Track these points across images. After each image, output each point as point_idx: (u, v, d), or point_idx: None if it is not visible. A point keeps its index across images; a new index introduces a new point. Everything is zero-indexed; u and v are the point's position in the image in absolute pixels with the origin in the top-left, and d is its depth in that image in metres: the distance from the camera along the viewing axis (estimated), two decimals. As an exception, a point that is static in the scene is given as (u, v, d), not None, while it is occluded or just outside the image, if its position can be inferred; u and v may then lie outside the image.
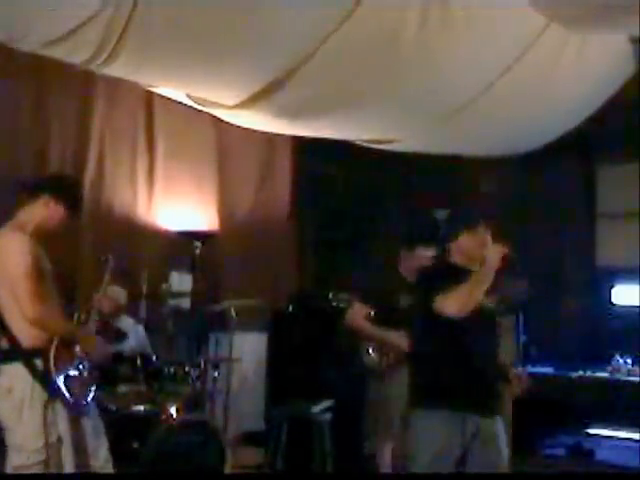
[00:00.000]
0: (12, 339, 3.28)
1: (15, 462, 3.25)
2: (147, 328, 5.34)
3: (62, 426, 3.29)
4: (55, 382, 3.26)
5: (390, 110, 4.76)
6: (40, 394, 3.24)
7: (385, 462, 4.81)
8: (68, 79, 5.24)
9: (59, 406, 3.29)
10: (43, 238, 3.46)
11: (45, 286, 3.34)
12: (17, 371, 3.25)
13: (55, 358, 3.28)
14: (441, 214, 3.85)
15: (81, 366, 3.45)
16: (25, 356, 3.26)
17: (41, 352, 3.27)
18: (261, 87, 4.20)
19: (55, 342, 3.29)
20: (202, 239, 5.89)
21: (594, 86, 5.05)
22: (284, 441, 5.37)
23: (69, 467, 3.31)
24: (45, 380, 3.25)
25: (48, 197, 3.47)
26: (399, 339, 4.47)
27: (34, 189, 3.52)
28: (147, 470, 4.21)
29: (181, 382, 4.74)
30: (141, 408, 4.53)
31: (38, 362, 3.26)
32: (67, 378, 3.33)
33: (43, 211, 3.47)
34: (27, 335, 3.28)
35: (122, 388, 4.51)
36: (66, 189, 3.59)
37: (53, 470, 3.24)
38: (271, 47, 3.82)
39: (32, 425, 3.21)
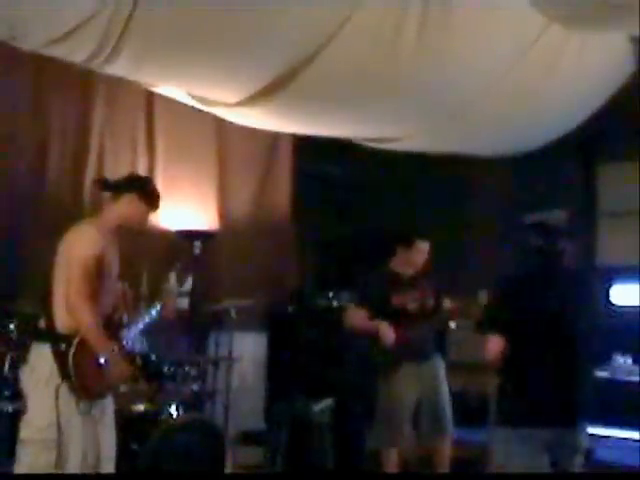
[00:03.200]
0: (50, 321, 3.40)
1: (22, 435, 3.36)
2: (147, 328, 5.33)
3: (72, 413, 3.35)
4: (69, 369, 3.34)
5: (390, 110, 4.76)
6: (56, 377, 3.33)
7: (391, 461, 4.81)
8: (68, 79, 5.25)
9: (67, 392, 3.35)
10: (124, 234, 3.63)
11: (94, 280, 3.42)
12: (44, 351, 3.36)
13: (76, 351, 3.35)
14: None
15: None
16: (54, 339, 3.36)
17: (68, 337, 3.35)
18: (262, 86, 4.21)
19: (78, 338, 3.36)
20: (202, 239, 5.88)
21: (594, 86, 5.05)
22: (284, 441, 5.37)
23: (74, 454, 3.35)
24: (62, 364, 3.34)
25: (132, 195, 3.60)
26: (386, 331, 4.51)
27: (118, 187, 3.65)
28: (147, 470, 4.21)
29: (181, 382, 4.75)
30: (141, 408, 4.53)
31: (63, 346, 3.35)
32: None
33: (128, 208, 3.61)
34: (63, 321, 3.39)
35: (122, 388, 4.51)
36: (149, 188, 3.74)
37: (46, 453, 3.29)
38: (272, 46, 3.83)
39: (44, 402, 3.30)
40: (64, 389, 3.32)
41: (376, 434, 4.95)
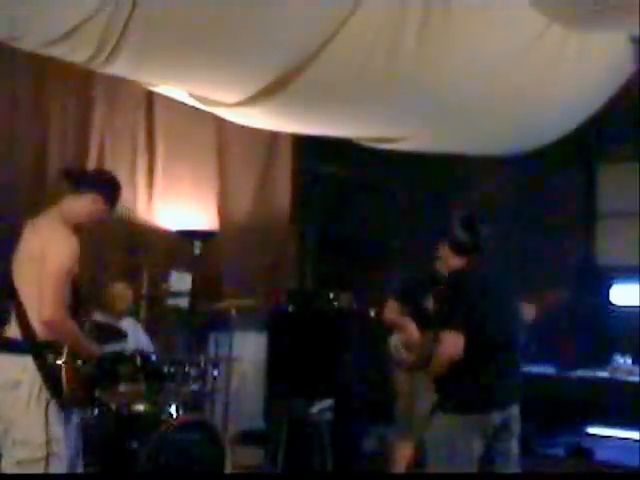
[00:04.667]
0: (28, 329, 3.19)
1: (20, 456, 3.17)
2: (147, 328, 5.34)
3: (58, 426, 3.24)
4: (62, 384, 3.21)
5: (390, 110, 4.76)
6: (45, 391, 3.19)
7: (399, 459, 4.79)
8: (68, 79, 5.24)
9: (57, 406, 3.23)
10: (80, 233, 3.40)
11: (66, 288, 3.27)
12: (27, 364, 3.18)
13: (66, 364, 3.21)
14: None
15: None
16: (37, 349, 3.18)
17: (54, 347, 3.19)
18: (263, 86, 4.20)
19: (66, 347, 3.22)
20: (202, 239, 5.88)
21: (594, 86, 5.05)
22: (284, 441, 5.37)
23: (62, 468, 3.26)
24: (51, 380, 3.19)
25: (96, 194, 3.43)
26: (412, 330, 4.54)
27: (82, 183, 3.46)
28: (147, 470, 4.21)
29: (181, 382, 4.74)
30: (141, 408, 4.53)
31: (50, 356, 3.18)
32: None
33: (90, 207, 3.43)
34: (41, 328, 3.20)
35: (122, 388, 4.50)
36: (114, 188, 3.56)
37: (51, 468, 3.20)
38: (273, 46, 3.83)
39: (38, 419, 3.16)
40: (53, 402, 3.18)
41: (394, 428, 4.93)
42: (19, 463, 3.18)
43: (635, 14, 3.70)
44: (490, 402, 3.49)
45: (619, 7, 3.76)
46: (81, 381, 3.32)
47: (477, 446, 3.44)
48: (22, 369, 3.18)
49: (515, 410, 3.59)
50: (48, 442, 3.15)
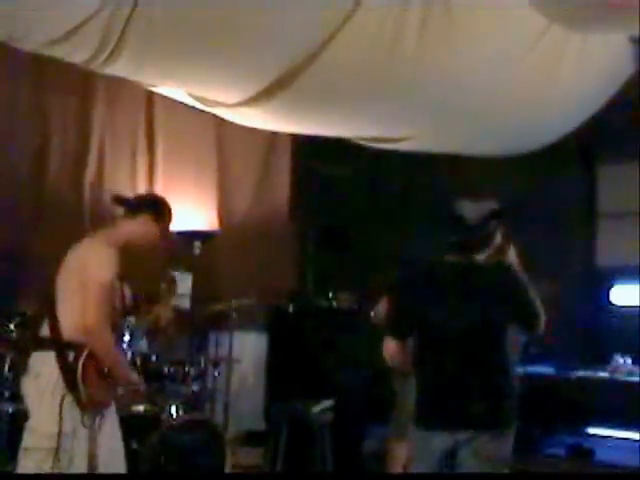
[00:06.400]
0: (55, 330, 3.35)
1: (26, 443, 3.32)
2: (147, 328, 5.33)
3: (76, 422, 3.32)
4: (77, 381, 3.30)
5: (390, 110, 4.76)
6: (62, 386, 3.30)
7: (395, 459, 4.79)
8: (68, 79, 5.24)
9: (72, 403, 3.31)
10: (129, 254, 3.58)
11: (109, 302, 3.43)
12: (48, 359, 3.32)
13: (85, 363, 3.31)
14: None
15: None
16: (61, 347, 3.32)
17: (76, 347, 3.31)
18: (263, 86, 4.21)
19: (87, 349, 3.32)
20: (202, 239, 5.89)
21: (595, 86, 5.05)
22: (284, 441, 5.37)
23: (79, 462, 3.32)
24: (68, 375, 3.30)
25: (148, 216, 3.62)
26: None
27: (136, 206, 3.66)
28: (147, 470, 4.21)
29: (181, 382, 4.74)
30: (141, 408, 4.53)
31: (70, 356, 3.31)
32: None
33: (141, 228, 3.63)
34: (69, 330, 3.34)
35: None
36: (165, 212, 3.74)
37: (62, 463, 3.26)
38: (273, 46, 3.83)
39: (50, 411, 3.27)
40: (69, 399, 3.29)
41: (392, 427, 4.93)
42: (26, 450, 3.31)
43: (635, 14, 3.70)
44: (433, 421, 3.14)
45: (619, 7, 3.76)
46: (101, 388, 3.40)
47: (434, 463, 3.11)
48: (43, 362, 3.34)
49: (464, 436, 3.05)
50: (59, 435, 3.24)
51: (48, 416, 3.27)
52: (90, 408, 3.37)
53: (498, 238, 3.34)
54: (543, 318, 3.29)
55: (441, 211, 3.41)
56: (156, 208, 3.70)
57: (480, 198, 3.33)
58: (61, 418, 3.25)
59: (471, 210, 3.23)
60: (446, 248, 3.24)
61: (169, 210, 3.78)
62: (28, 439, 3.32)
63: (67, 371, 3.29)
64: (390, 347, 3.27)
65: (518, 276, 3.26)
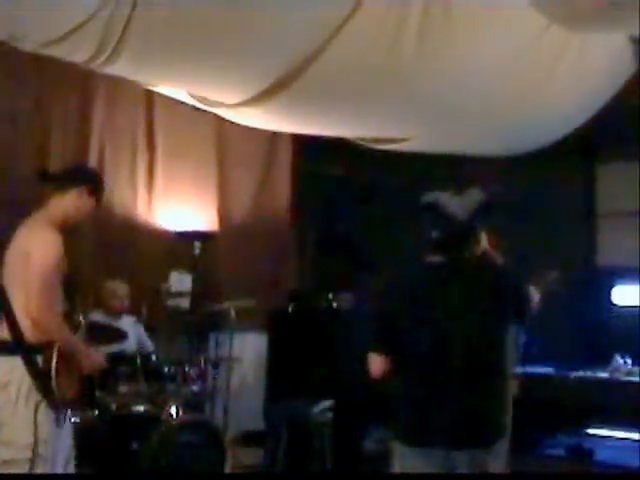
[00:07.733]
0: (16, 331, 3.18)
1: (4, 456, 3.16)
2: (147, 328, 5.34)
3: (48, 428, 3.21)
4: (52, 386, 3.18)
5: (391, 110, 4.76)
6: (35, 392, 3.17)
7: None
8: (68, 79, 5.25)
9: (47, 408, 3.21)
10: (68, 231, 3.40)
11: (56, 288, 3.27)
12: (16, 365, 3.17)
13: (57, 365, 3.19)
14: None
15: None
16: (27, 351, 3.17)
17: (43, 349, 3.17)
18: (263, 86, 4.21)
19: (56, 349, 3.19)
20: (202, 239, 5.89)
21: (595, 86, 5.04)
22: (284, 441, 5.37)
23: (60, 465, 3.28)
24: (42, 381, 3.17)
25: (81, 188, 3.42)
26: None
27: (66, 179, 3.46)
28: (147, 470, 4.21)
29: (181, 382, 4.75)
30: (141, 408, 4.53)
31: (39, 359, 3.17)
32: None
33: (75, 202, 3.42)
34: (31, 330, 3.19)
35: (122, 388, 4.51)
36: (97, 181, 3.57)
37: (47, 468, 3.19)
38: (273, 46, 3.83)
39: (25, 420, 3.14)
40: (43, 404, 3.16)
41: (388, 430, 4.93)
42: (5, 463, 3.16)
43: (635, 14, 3.69)
44: (421, 437, 2.92)
45: (619, 7, 3.75)
46: (74, 382, 3.30)
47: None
48: (10, 370, 3.18)
49: (454, 454, 2.85)
50: (35, 444, 3.13)
51: (25, 426, 3.13)
52: (64, 406, 3.27)
53: (482, 234, 3.17)
54: (534, 302, 3.14)
55: (421, 205, 3.06)
56: (87, 179, 3.52)
57: (463, 190, 3.07)
58: (36, 426, 3.12)
59: (456, 203, 2.99)
60: (429, 247, 2.97)
61: (100, 178, 3.62)
62: (5, 452, 3.16)
63: (39, 377, 3.14)
64: (376, 363, 3.05)
65: (504, 267, 3.17)
